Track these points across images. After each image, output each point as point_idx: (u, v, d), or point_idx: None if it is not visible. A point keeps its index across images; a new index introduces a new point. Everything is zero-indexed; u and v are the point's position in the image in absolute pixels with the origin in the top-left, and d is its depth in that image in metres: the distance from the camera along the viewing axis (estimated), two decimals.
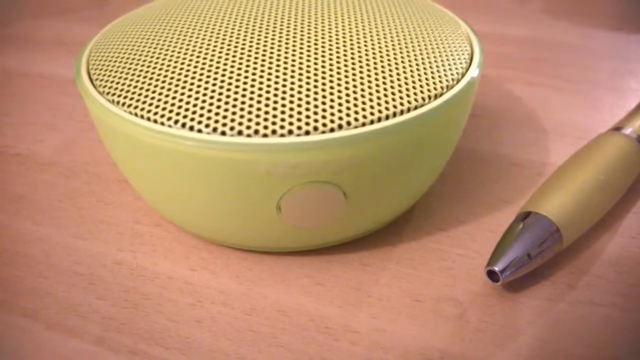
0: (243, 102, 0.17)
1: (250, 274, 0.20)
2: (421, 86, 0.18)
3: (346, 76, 0.18)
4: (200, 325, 0.19)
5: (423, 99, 0.18)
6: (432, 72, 0.19)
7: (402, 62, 0.19)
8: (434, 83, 0.18)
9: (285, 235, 0.19)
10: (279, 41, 0.19)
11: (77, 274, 0.21)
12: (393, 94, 0.18)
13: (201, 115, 0.17)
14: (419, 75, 0.18)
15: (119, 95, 0.18)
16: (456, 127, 0.20)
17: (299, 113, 0.17)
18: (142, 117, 0.17)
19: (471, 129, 0.27)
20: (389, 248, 0.21)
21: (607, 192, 0.21)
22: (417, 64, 0.19)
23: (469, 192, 0.24)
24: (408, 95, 0.18)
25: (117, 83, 0.19)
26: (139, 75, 0.18)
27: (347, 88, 0.18)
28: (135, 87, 0.18)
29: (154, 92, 0.18)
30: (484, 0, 0.42)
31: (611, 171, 0.21)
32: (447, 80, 0.19)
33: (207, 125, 0.17)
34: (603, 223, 0.22)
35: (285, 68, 0.18)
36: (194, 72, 0.18)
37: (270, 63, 0.18)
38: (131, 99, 0.18)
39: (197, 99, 0.17)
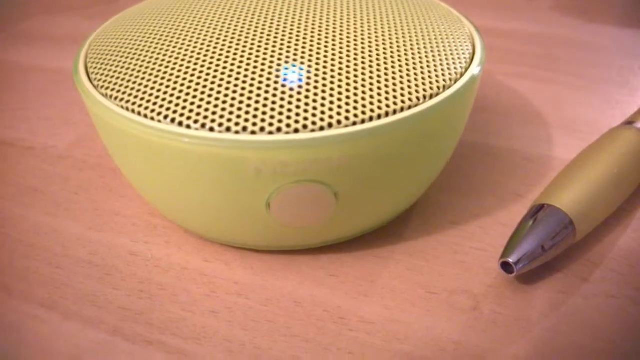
0: (233, 99, 0.17)
1: (265, 265, 0.20)
2: (417, 85, 0.18)
3: (340, 74, 0.17)
4: (215, 316, 0.19)
5: (418, 98, 0.18)
6: (429, 71, 0.18)
7: (399, 60, 0.18)
8: (431, 82, 0.18)
9: (278, 234, 0.19)
10: (275, 38, 0.19)
11: (92, 265, 0.21)
12: (387, 92, 0.17)
13: (190, 111, 0.17)
14: (415, 74, 0.18)
15: (112, 89, 0.18)
16: (454, 126, 0.20)
17: (289, 110, 0.16)
18: (132, 111, 0.17)
19: (483, 124, 0.28)
20: (402, 241, 0.21)
21: (620, 186, 0.21)
22: (414, 63, 0.18)
23: (481, 186, 0.24)
24: (402, 95, 0.17)
25: (111, 77, 0.19)
26: (132, 70, 0.18)
27: (339, 86, 0.17)
28: (127, 81, 0.18)
29: (146, 86, 0.18)
30: None
31: (624, 165, 0.21)
32: (444, 80, 0.18)
33: (195, 121, 0.17)
34: (616, 216, 0.22)
35: (279, 65, 0.18)
36: (187, 68, 0.18)
37: (264, 60, 0.18)
38: (123, 92, 0.18)
39: (187, 94, 0.17)
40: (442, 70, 0.19)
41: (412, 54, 0.19)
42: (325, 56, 0.18)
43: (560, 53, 0.34)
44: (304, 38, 0.19)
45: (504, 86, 0.31)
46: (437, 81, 0.18)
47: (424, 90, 0.18)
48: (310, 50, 0.18)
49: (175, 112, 0.17)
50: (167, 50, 0.19)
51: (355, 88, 0.17)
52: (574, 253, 0.20)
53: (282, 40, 0.18)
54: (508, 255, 0.18)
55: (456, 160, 0.25)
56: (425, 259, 0.20)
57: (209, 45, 0.18)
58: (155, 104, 0.17)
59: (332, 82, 0.17)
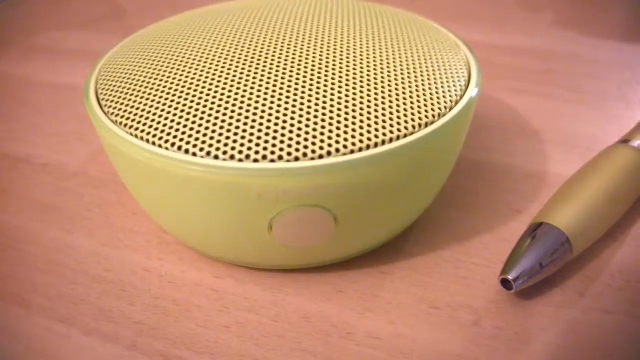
0: (237, 127, 0.18)
1: (274, 281, 0.21)
2: (412, 114, 0.19)
3: (339, 103, 0.18)
4: (228, 331, 0.20)
5: (413, 127, 0.18)
6: (424, 99, 0.19)
7: (396, 89, 0.19)
8: (426, 110, 0.19)
9: (281, 254, 0.20)
10: (277, 67, 0.19)
11: (108, 281, 0.22)
12: (384, 122, 0.18)
13: (196, 139, 0.18)
14: (411, 102, 0.19)
15: (122, 117, 0.19)
16: (450, 151, 0.20)
17: (290, 139, 0.17)
18: (141, 138, 0.18)
19: (484, 140, 0.28)
20: (406, 257, 0.22)
21: (616, 204, 0.22)
22: (410, 91, 0.19)
23: (483, 203, 0.24)
24: (399, 124, 0.18)
25: (120, 104, 0.19)
26: (141, 97, 0.19)
27: (339, 115, 0.18)
28: (137, 108, 0.19)
29: (154, 114, 0.18)
30: (494, 13, 0.43)
31: (619, 183, 0.22)
32: (439, 108, 0.19)
33: (201, 149, 0.17)
34: (612, 233, 0.22)
35: (281, 94, 0.18)
36: (193, 97, 0.19)
37: (267, 89, 0.19)
38: (132, 120, 0.19)
39: (194, 122, 0.18)
40: (438, 98, 0.19)
41: (409, 82, 0.20)
42: (325, 86, 0.19)
43: (559, 68, 0.35)
44: (305, 68, 0.19)
45: (504, 102, 0.32)
46: (432, 109, 0.19)
47: (420, 118, 0.19)
48: (311, 80, 0.19)
49: (182, 140, 0.18)
50: (174, 79, 0.19)
51: (354, 117, 0.18)
52: (571, 269, 0.21)
53: (283, 70, 0.19)
54: (507, 272, 0.19)
55: (457, 177, 0.26)
56: (429, 275, 0.21)
57: (214, 75, 0.19)
58: (163, 131, 0.18)
59: (331, 112, 0.18)
